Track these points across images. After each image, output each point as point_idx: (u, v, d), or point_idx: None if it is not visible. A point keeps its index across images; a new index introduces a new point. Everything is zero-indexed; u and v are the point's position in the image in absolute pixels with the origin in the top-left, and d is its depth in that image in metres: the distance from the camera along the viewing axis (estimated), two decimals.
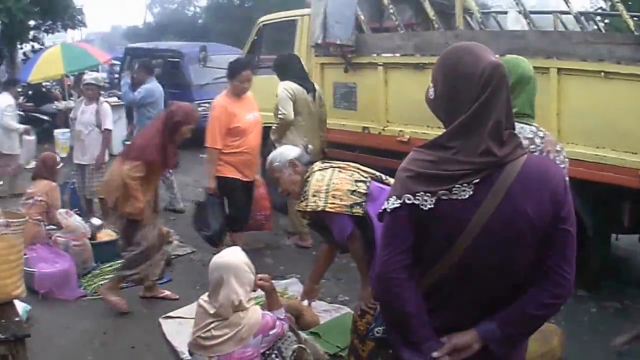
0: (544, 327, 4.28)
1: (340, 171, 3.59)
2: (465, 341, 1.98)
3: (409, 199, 1.94)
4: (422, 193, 1.93)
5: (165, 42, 18.80)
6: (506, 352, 2.01)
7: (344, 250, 3.81)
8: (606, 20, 10.05)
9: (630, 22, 5.98)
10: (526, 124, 2.88)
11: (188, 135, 5.28)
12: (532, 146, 2.83)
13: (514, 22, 6.60)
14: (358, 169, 3.68)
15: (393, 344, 2.11)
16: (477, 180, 1.90)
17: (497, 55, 1.98)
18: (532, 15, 6.63)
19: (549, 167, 2.02)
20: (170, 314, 5.03)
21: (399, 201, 1.96)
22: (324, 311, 4.83)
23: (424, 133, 6.23)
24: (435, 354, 1.96)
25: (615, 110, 4.93)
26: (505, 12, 7.03)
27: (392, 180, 3.62)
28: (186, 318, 4.80)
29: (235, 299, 3.28)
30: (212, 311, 3.33)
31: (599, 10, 11.09)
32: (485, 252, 1.92)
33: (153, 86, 8.41)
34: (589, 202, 5.13)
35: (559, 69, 5.28)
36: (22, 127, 9.64)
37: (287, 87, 6.51)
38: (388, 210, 2.00)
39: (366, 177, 3.59)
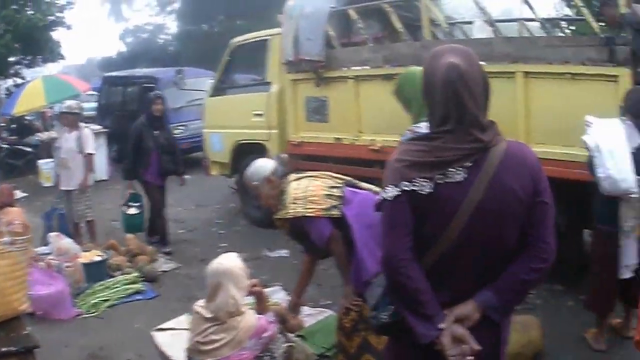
0: (524, 319, 4.46)
1: (314, 179, 3.79)
2: (466, 312, 2.16)
3: (406, 186, 2.11)
4: (419, 179, 2.10)
5: (140, 69, 18.82)
6: (502, 320, 2.21)
7: (325, 255, 3.95)
8: (572, 27, 10.10)
9: (595, 25, 6.07)
10: None
11: None
12: None
13: (480, 31, 6.63)
14: (331, 176, 3.88)
15: (405, 321, 2.19)
16: (469, 164, 2.10)
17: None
18: (498, 24, 6.75)
19: (524, 149, 2.25)
20: (162, 326, 5.06)
21: (397, 189, 2.13)
22: (308, 315, 4.92)
23: (395, 141, 6.23)
24: (441, 325, 2.12)
25: (582, 109, 4.91)
26: (471, 22, 7.15)
27: (363, 184, 3.84)
28: (177, 329, 4.89)
29: (232, 303, 3.36)
30: (209, 315, 3.39)
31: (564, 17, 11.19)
32: (480, 229, 2.11)
33: None
34: (560, 200, 5.17)
35: (526, 73, 5.44)
36: None
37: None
38: (388, 198, 2.15)
39: (339, 183, 3.78)
